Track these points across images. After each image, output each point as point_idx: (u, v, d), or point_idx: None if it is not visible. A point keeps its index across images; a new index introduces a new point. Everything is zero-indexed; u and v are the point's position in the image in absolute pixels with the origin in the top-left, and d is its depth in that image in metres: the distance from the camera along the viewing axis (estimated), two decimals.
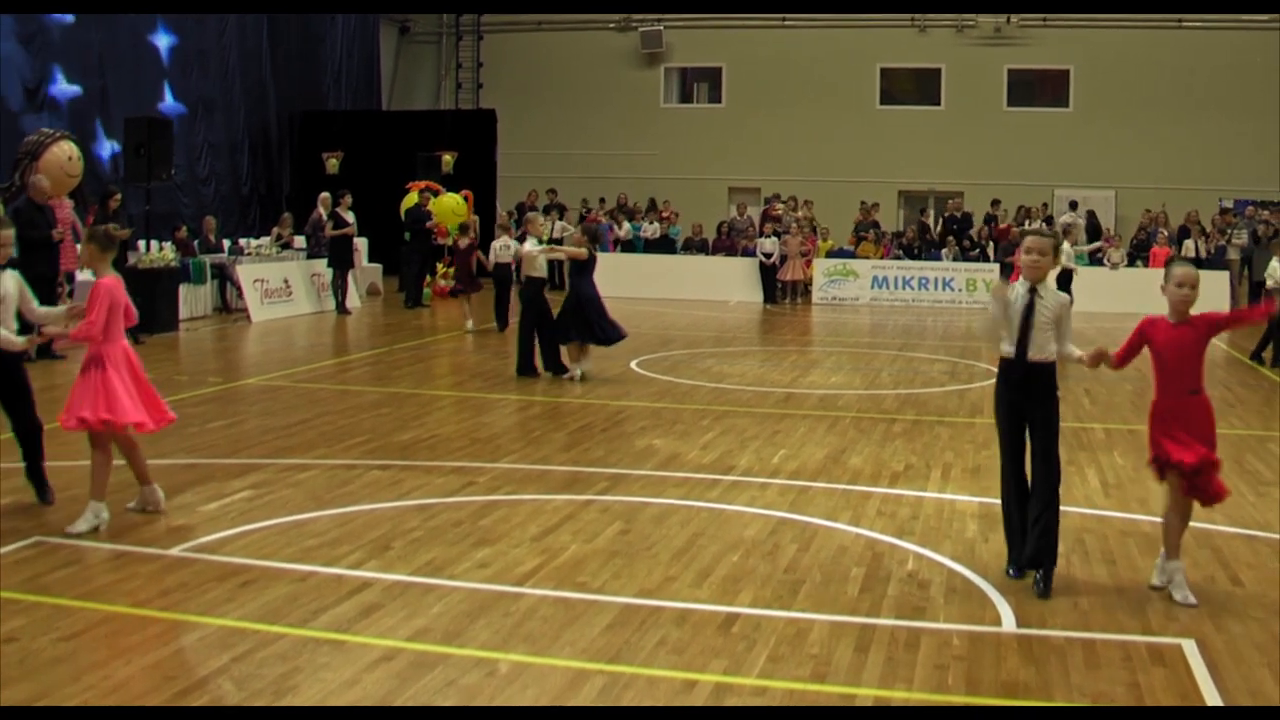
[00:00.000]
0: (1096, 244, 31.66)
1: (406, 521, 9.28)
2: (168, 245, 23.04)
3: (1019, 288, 8.09)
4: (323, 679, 6.29)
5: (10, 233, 9.65)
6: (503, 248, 21.61)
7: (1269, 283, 20.12)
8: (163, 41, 30.02)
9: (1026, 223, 31.39)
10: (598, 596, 7.68)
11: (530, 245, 17.71)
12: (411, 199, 27.76)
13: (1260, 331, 20.26)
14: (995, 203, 34.27)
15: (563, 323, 16.76)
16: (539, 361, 17.08)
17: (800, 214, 32.89)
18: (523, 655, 6.68)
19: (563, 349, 17.00)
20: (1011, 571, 8.25)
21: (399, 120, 37.68)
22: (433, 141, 33.20)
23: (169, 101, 30.12)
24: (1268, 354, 19.89)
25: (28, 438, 9.75)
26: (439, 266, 28.38)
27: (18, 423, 9.73)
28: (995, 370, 8.45)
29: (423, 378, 16.97)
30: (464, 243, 23.78)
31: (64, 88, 26.57)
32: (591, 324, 16.68)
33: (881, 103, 39.19)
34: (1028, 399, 8.14)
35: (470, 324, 22.28)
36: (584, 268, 16.88)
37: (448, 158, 31.41)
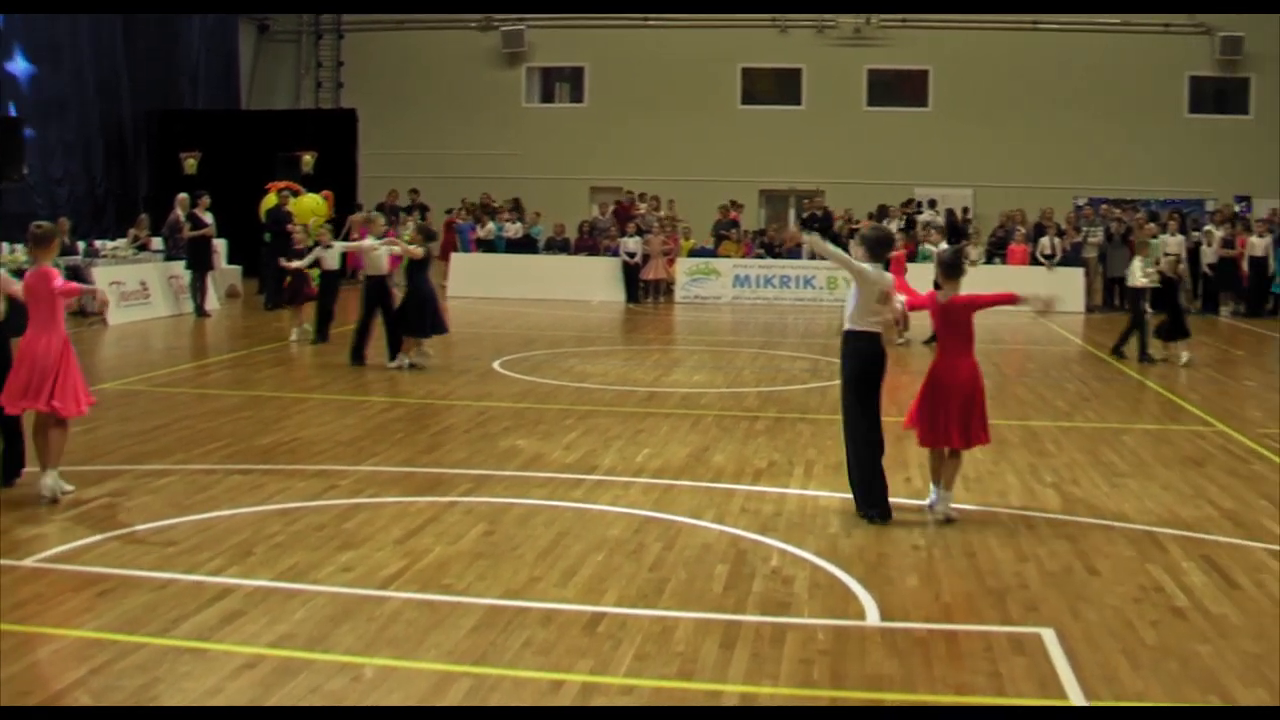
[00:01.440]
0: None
1: (268, 526, 9.15)
2: (19, 247, 22.47)
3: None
4: (184, 688, 6.17)
5: None
6: (325, 252, 20.74)
7: (1129, 281, 20.58)
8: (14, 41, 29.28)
9: (885, 222, 31.80)
10: (463, 598, 7.63)
11: (370, 242, 17.98)
12: (271, 200, 27.40)
13: (1122, 327, 20.78)
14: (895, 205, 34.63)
15: (406, 318, 17.50)
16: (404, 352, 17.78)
17: (663, 213, 32.99)
18: (388, 659, 6.61)
19: (406, 343, 17.72)
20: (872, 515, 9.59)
21: (258, 120, 37.15)
22: (293, 141, 32.81)
23: (20, 96, 29.34)
24: (1130, 349, 20.34)
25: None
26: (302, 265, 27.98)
27: None
28: (853, 343, 9.66)
29: (284, 380, 16.76)
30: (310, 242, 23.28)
31: None
32: (426, 319, 17.51)
33: (743, 102, 39.45)
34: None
35: (295, 334, 21.33)
36: (421, 265, 17.58)
37: (308, 158, 31.07)
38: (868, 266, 9.60)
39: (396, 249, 17.72)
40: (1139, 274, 20.13)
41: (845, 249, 10.29)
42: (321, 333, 20.71)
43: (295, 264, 20.89)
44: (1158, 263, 20.53)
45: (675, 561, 8.49)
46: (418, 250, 17.35)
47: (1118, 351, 20.61)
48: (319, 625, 7.10)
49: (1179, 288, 20.76)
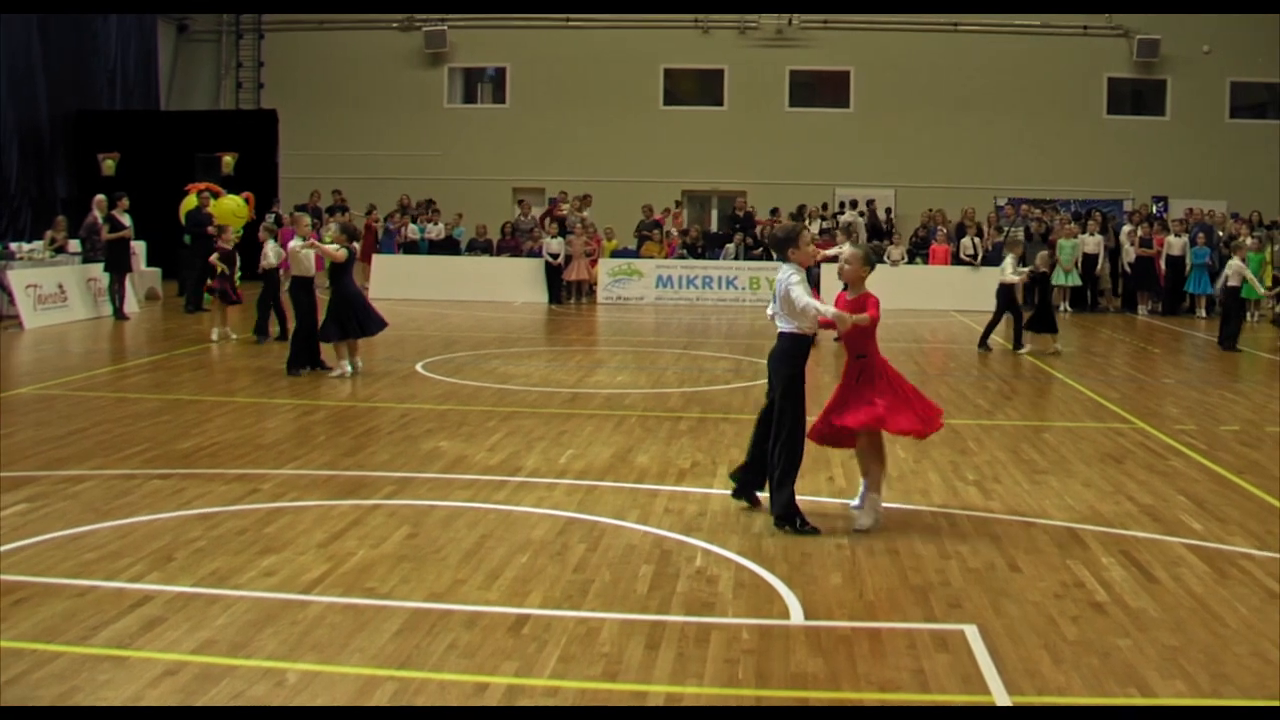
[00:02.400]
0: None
1: (189, 531, 9.05)
2: None
3: (804, 276, 9.49)
4: (103, 697, 6.10)
5: None
6: (273, 253, 20.49)
7: (1001, 276, 21.56)
8: None
9: (807, 221, 31.95)
10: (386, 602, 7.59)
11: (295, 244, 17.58)
12: (191, 201, 27.12)
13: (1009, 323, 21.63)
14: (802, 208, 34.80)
15: (326, 322, 17.04)
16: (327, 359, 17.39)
17: (585, 214, 32.97)
18: (311, 664, 6.56)
19: (324, 347, 17.34)
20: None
21: (178, 120, 36.82)
22: (213, 142, 32.52)
23: None
24: (999, 338, 21.70)
25: None
26: (219, 268, 27.73)
27: None
28: (782, 345, 9.58)
29: (204, 384, 16.59)
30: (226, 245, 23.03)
31: None
32: (351, 321, 17.06)
33: (665, 103, 39.51)
34: None
35: (216, 334, 21.32)
36: (344, 267, 17.14)
37: (228, 159, 30.77)
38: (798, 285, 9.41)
39: (321, 250, 17.43)
40: (1009, 271, 21.20)
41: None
42: (261, 331, 20.87)
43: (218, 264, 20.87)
44: (1050, 257, 21.68)
45: (599, 563, 8.48)
46: (340, 253, 16.92)
47: (984, 345, 21.61)
48: (241, 631, 7.04)
49: (1049, 283, 22.16)
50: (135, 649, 6.72)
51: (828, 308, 9.39)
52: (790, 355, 9.52)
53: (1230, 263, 23.16)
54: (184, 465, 11.36)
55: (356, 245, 17.81)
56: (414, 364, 18.44)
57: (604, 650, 6.84)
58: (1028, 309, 22.15)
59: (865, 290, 9.59)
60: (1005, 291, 21.33)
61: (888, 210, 36.07)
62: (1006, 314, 21.64)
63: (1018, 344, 21.35)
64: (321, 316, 17.20)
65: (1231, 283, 22.52)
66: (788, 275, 9.45)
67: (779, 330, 9.59)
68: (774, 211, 33.93)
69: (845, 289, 10.13)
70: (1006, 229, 32.01)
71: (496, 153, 38.97)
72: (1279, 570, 8.60)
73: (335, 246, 16.98)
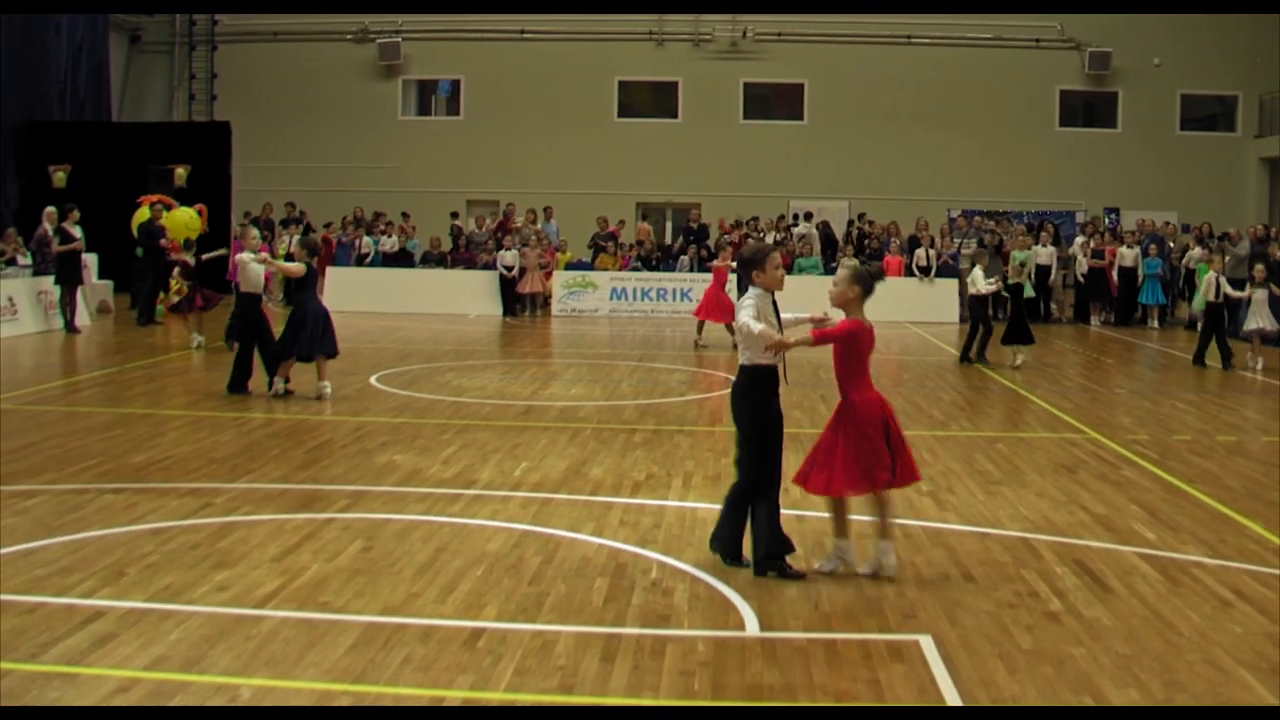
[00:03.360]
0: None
1: (141, 546, 8.99)
2: None
3: (769, 299, 8.61)
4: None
5: None
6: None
7: (971, 288, 21.49)
8: None
9: (764, 235, 32.04)
10: (341, 616, 7.55)
11: (245, 256, 17.20)
12: (143, 213, 26.98)
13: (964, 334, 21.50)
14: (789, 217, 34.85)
15: (286, 340, 16.19)
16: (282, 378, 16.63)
17: (539, 227, 32.97)
18: (265, 679, 6.52)
19: (282, 365, 16.49)
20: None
21: (130, 132, 36.62)
22: (165, 154, 32.35)
23: None
24: (973, 352, 21.32)
25: None
26: (172, 283, 27.60)
27: None
28: (738, 379, 8.78)
29: (156, 397, 16.49)
30: (188, 257, 22.99)
31: None
32: (315, 338, 16.08)
33: (619, 115, 39.59)
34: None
35: (196, 339, 21.59)
36: (305, 283, 16.43)
37: (181, 171, 30.61)
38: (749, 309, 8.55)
39: (276, 268, 17.15)
40: (981, 283, 21.03)
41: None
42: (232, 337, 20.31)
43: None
44: (1022, 267, 21.48)
45: (554, 575, 8.47)
46: (296, 269, 16.27)
47: (966, 359, 21.41)
48: (194, 646, 6.99)
49: (1022, 294, 21.74)
50: (86, 666, 6.66)
51: (756, 323, 8.36)
52: (745, 391, 8.68)
53: (1206, 277, 22.47)
54: (136, 480, 11.28)
55: (315, 260, 17.29)
56: (368, 377, 18.37)
57: (559, 663, 6.84)
58: (1000, 322, 22.14)
59: (858, 316, 8.67)
60: (977, 304, 21.39)
61: (861, 215, 36.08)
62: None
63: (981, 356, 21.23)
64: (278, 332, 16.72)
65: (1209, 298, 21.92)
66: (745, 297, 8.63)
67: (739, 364, 8.80)
68: (747, 223, 33.90)
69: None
70: (959, 241, 32.20)
71: (450, 165, 38.93)
72: (1231, 578, 8.67)
73: (291, 264, 16.55)
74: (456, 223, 34.35)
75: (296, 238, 22.23)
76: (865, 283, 8.71)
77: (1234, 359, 21.33)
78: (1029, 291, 21.46)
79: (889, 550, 8.59)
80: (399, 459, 12.44)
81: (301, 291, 16.56)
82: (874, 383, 8.83)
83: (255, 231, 19.13)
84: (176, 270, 21.97)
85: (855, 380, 8.66)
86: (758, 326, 8.35)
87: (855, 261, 9.05)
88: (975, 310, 21.55)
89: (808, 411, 15.62)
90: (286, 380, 16.40)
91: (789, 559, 8.59)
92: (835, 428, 8.61)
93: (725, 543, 8.82)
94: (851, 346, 8.64)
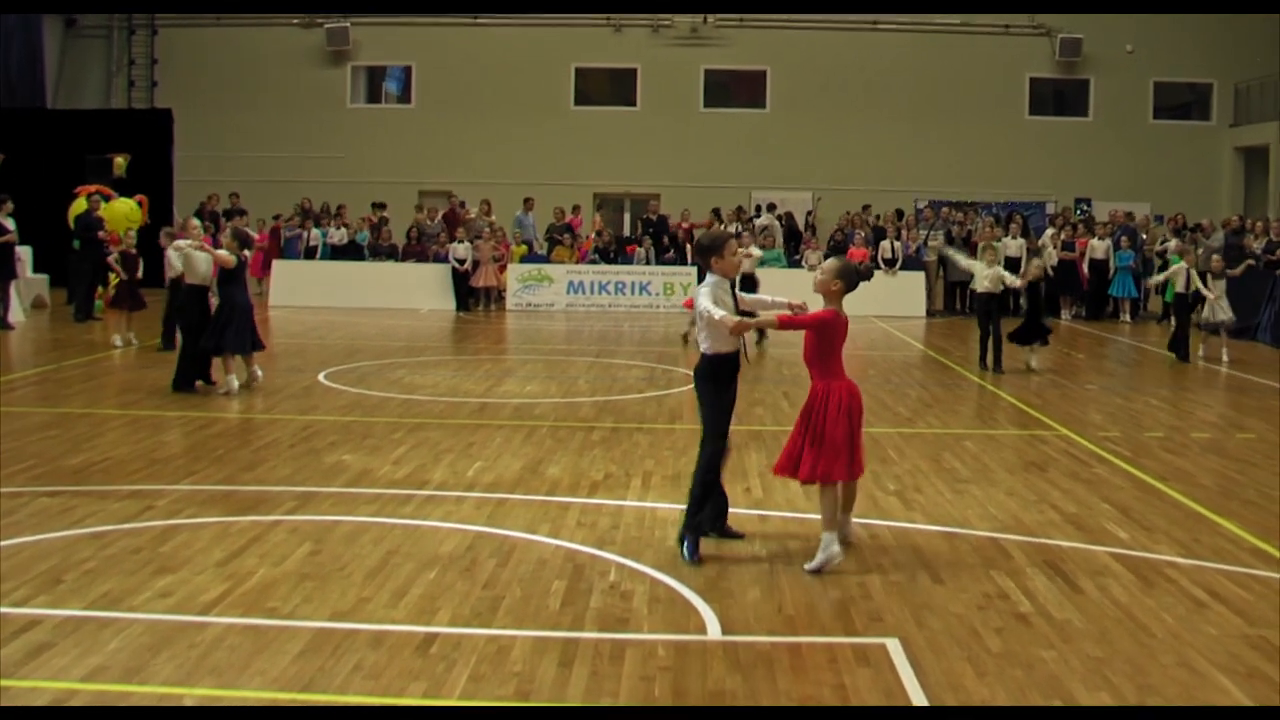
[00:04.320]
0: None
1: (79, 552, 8.93)
2: None
3: (726, 286, 9.08)
4: None
5: None
6: (177, 259, 20.17)
7: (975, 284, 20.56)
8: None
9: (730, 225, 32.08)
10: (288, 622, 7.53)
11: (184, 244, 17.19)
12: (80, 205, 26.77)
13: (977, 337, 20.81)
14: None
15: (215, 333, 16.44)
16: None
17: (493, 218, 32.89)
18: (210, 689, 6.49)
19: (216, 361, 16.78)
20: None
21: (66, 120, 36.29)
22: (103, 143, 32.11)
23: None
24: (989, 359, 20.08)
25: None
26: (110, 276, 27.45)
27: None
28: (700, 365, 9.18)
29: (96, 396, 16.38)
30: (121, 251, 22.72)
31: None
32: (245, 333, 16.54)
33: (576, 103, 39.61)
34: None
35: (119, 340, 21.24)
36: (234, 275, 16.62)
37: (120, 160, 30.40)
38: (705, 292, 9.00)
39: (210, 254, 17.11)
40: (984, 277, 19.97)
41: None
42: (169, 342, 20.07)
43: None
44: (1037, 266, 20.94)
45: (510, 578, 8.47)
46: (229, 258, 16.48)
47: (984, 365, 20.07)
48: (135, 655, 6.95)
49: (1040, 292, 20.87)
50: (20, 678, 6.60)
51: (717, 310, 8.73)
52: (704, 376, 9.14)
53: (1175, 266, 22.57)
54: (74, 482, 11.21)
55: (248, 253, 17.29)
56: (316, 374, 18.31)
57: (515, 669, 6.83)
58: (1012, 320, 21.21)
59: (835, 307, 8.97)
60: (982, 303, 20.18)
61: (808, 213, 36.25)
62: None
63: (996, 363, 19.79)
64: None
65: (1179, 289, 22.06)
66: (703, 284, 9.07)
67: (699, 350, 9.22)
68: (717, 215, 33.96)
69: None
70: (926, 233, 32.28)
71: (402, 154, 38.84)
72: (1205, 579, 8.73)
73: (224, 252, 16.62)
74: (384, 213, 34.01)
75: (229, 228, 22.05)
76: (851, 279, 9.09)
77: (1195, 353, 21.50)
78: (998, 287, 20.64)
79: (833, 540, 8.79)
80: (348, 459, 12.41)
81: (230, 284, 16.68)
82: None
83: (197, 221, 18.99)
84: (114, 258, 21.73)
85: (831, 367, 9.00)
86: (719, 313, 8.71)
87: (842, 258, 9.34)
88: (980, 309, 20.34)
89: (770, 409, 15.68)
90: (237, 374, 16.60)
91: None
92: (817, 415, 8.86)
93: (712, 521, 9.36)
94: (825, 335, 8.98)
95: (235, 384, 16.48)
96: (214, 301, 17.11)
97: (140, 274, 22.03)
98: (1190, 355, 21.30)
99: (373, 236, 32.88)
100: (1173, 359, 21.37)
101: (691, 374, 9.60)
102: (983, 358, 20.19)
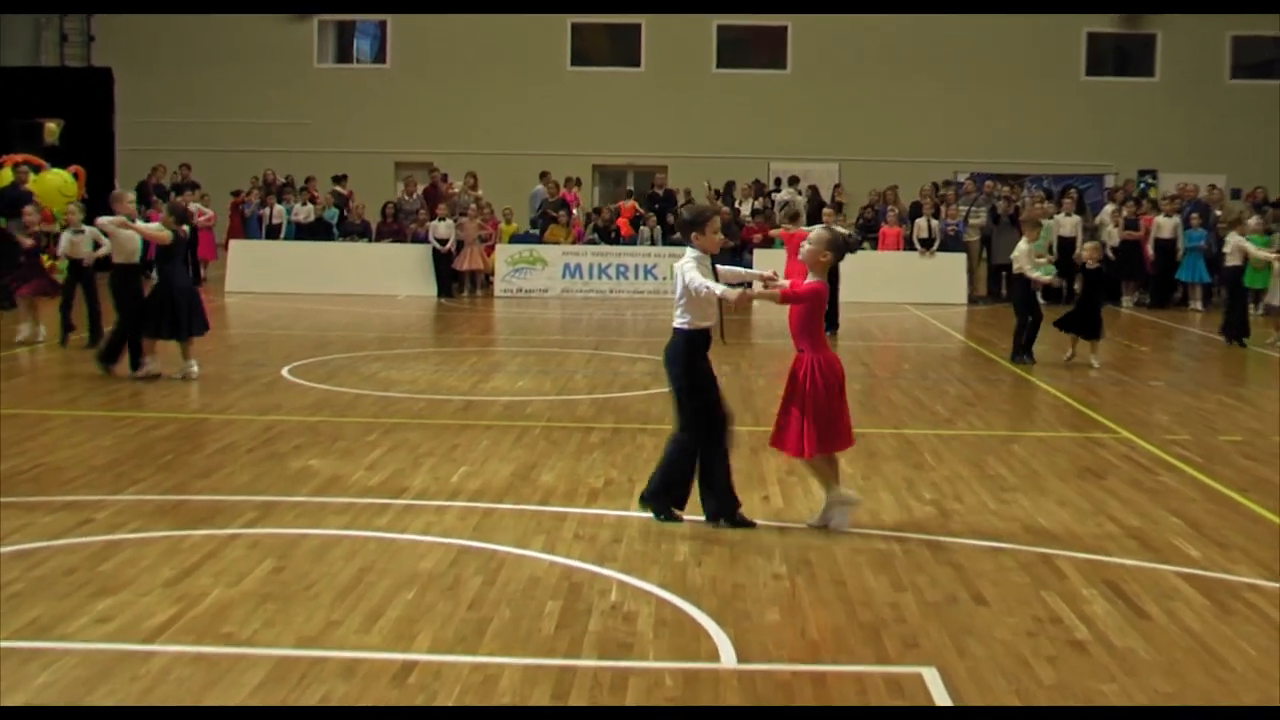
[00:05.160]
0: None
1: (3, 573, 8.89)
2: None
3: (708, 262, 10.15)
4: None
5: None
6: (74, 238, 19.89)
7: (1018, 266, 20.28)
8: None
9: (738, 202, 32.09)
10: (247, 650, 7.52)
11: (105, 220, 17.37)
12: (5, 176, 26.76)
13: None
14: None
15: (151, 316, 16.82)
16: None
17: (479, 193, 32.87)
18: None
19: (148, 344, 17.10)
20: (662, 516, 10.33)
21: None
22: (32, 107, 32.17)
23: None
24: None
25: None
26: (43, 258, 27.40)
27: None
28: (674, 341, 10.25)
29: (24, 394, 16.38)
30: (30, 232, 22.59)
31: None
32: (180, 318, 16.86)
33: (573, 63, 39.53)
34: None
35: (25, 331, 20.98)
36: (171, 253, 17.08)
37: (52, 126, 30.48)
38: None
39: (139, 231, 17.16)
40: (1027, 262, 19.93)
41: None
42: (95, 334, 19.89)
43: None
44: (1102, 246, 21.00)
45: (498, 598, 8.46)
46: (163, 234, 16.82)
47: (1018, 355, 20.25)
48: (68, 690, 6.92)
49: (1099, 278, 20.70)
50: None
51: (716, 285, 9.79)
52: (679, 351, 10.25)
53: (1229, 238, 23.12)
54: None
55: (185, 229, 17.37)
56: (279, 368, 18.32)
57: (504, 701, 6.82)
58: (1055, 309, 21.27)
59: (822, 279, 10.09)
60: (1023, 287, 20.30)
61: (837, 186, 36.18)
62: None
63: (1022, 352, 20.10)
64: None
65: (1231, 262, 22.46)
66: (685, 259, 10.10)
67: (673, 326, 10.31)
68: (730, 190, 33.96)
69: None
70: (967, 209, 32.20)
71: (376, 121, 38.81)
72: None
73: (157, 226, 16.82)
74: (342, 188, 33.97)
75: (194, 204, 22.04)
76: (840, 251, 10.27)
77: (1249, 337, 21.76)
78: (1048, 271, 20.80)
79: (842, 493, 10.26)
80: (316, 464, 12.41)
81: (169, 263, 17.16)
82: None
83: (132, 196, 18.92)
84: (27, 240, 21.70)
85: (816, 338, 10.10)
86: (718, 288, 9.75)
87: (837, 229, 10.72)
88: (1022, 295, 20.51)
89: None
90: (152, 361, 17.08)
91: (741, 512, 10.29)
92: (802, 387, 9.98)
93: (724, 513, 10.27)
94: (815, 307, 10.08)
95: (195, 369, 16.97)
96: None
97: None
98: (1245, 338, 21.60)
99: (340, 214, 32.87)
100: (1257, 349, 21.48)
101: (665, 358, 10.54)
102: (1017, 345, 20.32)
